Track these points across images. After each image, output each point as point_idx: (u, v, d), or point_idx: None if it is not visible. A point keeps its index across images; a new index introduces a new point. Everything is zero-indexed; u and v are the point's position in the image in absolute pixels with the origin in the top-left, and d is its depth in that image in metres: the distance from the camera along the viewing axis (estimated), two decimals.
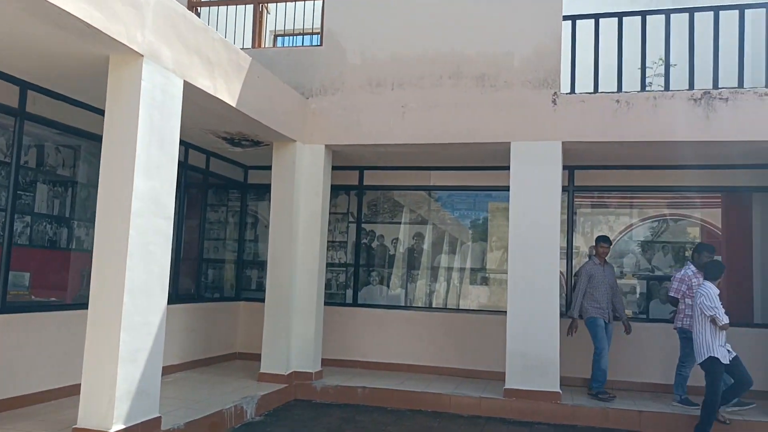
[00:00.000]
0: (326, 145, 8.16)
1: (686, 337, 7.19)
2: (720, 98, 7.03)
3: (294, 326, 7.90)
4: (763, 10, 7.31)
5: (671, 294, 7.46)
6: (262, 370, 7.75)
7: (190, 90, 5.76)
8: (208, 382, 7.60)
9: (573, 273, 9.02)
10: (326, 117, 8.17)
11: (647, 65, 7.67)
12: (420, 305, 9.60)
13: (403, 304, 9.67)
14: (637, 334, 8.16)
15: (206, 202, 9.24)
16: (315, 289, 7.99)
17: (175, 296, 8.14)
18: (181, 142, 8.06)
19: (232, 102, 6.38)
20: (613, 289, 7.93)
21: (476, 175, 9.28)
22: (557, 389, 7.22)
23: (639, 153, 8.06)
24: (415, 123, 7.87)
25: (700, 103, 7.08)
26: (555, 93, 7.50)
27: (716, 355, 6.32)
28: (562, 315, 8.55)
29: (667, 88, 7.40)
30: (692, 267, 7.35)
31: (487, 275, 9.49)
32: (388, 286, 9.86)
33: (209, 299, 9.26)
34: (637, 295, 9.25)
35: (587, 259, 8.37)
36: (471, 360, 8.81)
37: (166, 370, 7.76)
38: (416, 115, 7.88)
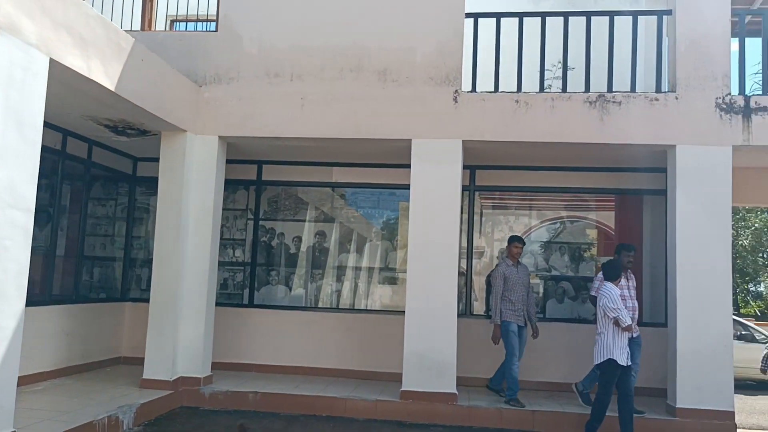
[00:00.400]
0: (220, 137, 7.72)
1: None
2: (614, 102, 7.16)
3: (181, 329, 7.41)
4: (655, 17, 7.51)
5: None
6: (144, 376, 7.22)
7: (59, 69, 5.21)
8: (83, 390, 6.99)
9: (473, 273, 9.03)
10: (220, 107, 7.73)
11: (548, 68, 7.73)
12: (321, 306, 9.31)
13: (303, 304, 9.35)
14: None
15: (89, 195, 8.55)
16: (205, 289, 7.53)
17: (48, 297, 7.46)
18: (58, 129, 7.40)
19: (111, 86, 5.86)
20: (527, 290, 7.77)
21: (380, 173, 9.09)
22: (454, 390, 7.12)
23: (538, 154, 8.12)
24: (314, 116, 7.58)
25: (595, 106, 7.18)
26: (456, 91, 7.42)
27: (615, 358, 6.28)
28: (461, 315, 8.58)
29: (564, 90, 7.46)
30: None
31: (390, 275, 9.31)
32: (288, 286, 9.51)
33: (91, 300, 8.57)
34: (536, 295, 9.37)
35: (500, 261, 8.18)
36: (372, 361, 8.61)
37: (36, 378, 7.13)
38: (316, 108, 7.59)
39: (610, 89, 7.32)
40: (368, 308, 9.17)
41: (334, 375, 8.61)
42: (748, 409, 11.96)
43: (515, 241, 7.80)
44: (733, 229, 18.64)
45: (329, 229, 9.53)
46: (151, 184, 9.38)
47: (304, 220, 9.59)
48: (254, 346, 8.88)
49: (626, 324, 6.27)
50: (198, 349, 7.46)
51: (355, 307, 9.23)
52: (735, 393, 13.27)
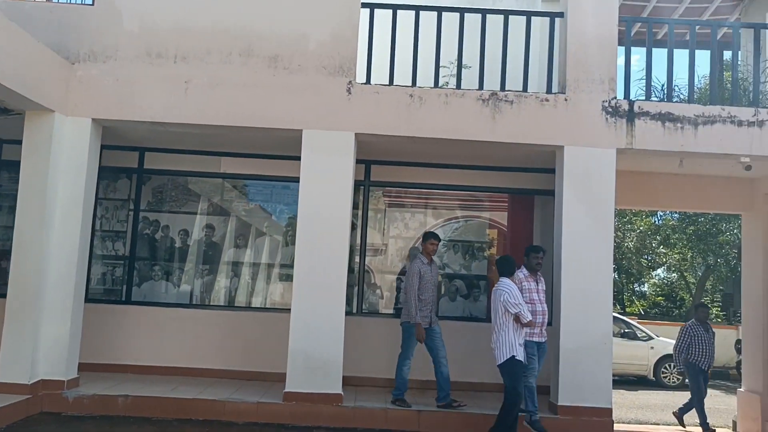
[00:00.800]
0: (94, 119, 7.11)
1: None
2: (506, 101, 7.16)
3: (44, 327, 6.76)
4: (548, 19, 7.58)
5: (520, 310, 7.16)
6: None
7: None
8: None
9: (376, 271, 8.87)
10: (95, 87, 7.12)
11: (445, 65, 7.64)
12: (206, 303, 8.83)
13: (188, 301, 8.83)
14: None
15: None
16: (72, 285, 6.91)
17: None
18: None
19: None
20: (437, 289, 7.51)
21: (273, 164, 8.72)
22: (339, 391, 6.90)
23: (432, 150, 8.05)
24: (199, 101, 7.13)
25: (488, 104, 7.15)
26: (350, 82, 7.19)
27: (516, 354, 6.18)
28: (353, 314, 8.39)
29: (459, 86, 7.40)
30: (524, 270, 6.89)
31: (282, 271, 8.96)
32: (172, 282, 8.96)
33: None
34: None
35: (413, 258, 7.86)
36: (258, 362, 8.24)
37: None
38: (201, 93, 7.14)
39: (503, 88, 7.33)
40: (256, 306, 8.79)
41: (216, 376, 8.17)
42: (628, 404, 12.51)
43: (431, 237, 7.48)
44: (619, 231, 19.56)
45: (219, 222, 9.07)
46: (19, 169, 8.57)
47: (192, 213, 9.08)
48: (131, 345, 8.30)
49: (528, 319, 6.22)
50: (62, 350, 6.83)
51: (244, 305, 8.83)
52: (617, 389, 13.86)
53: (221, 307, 8.74)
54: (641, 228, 20.51)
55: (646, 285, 29.89)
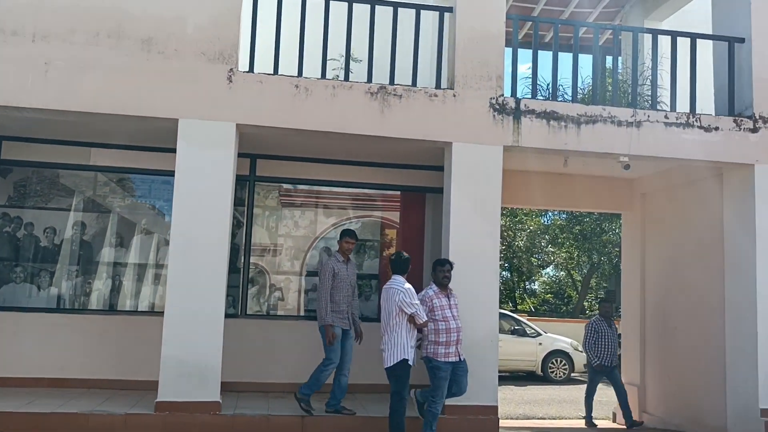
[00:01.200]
0: None
1: (432, 367, 6.22)
2: (395, 94, 6.99)
3: None
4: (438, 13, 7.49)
5: (425, 319, 6.30)
6: None
7: None
8: None
9: (260, 271, 8.47)
10: None
11: (335, 57, 7.37)
12: (76, 307, 8.10)
13: (55, 306, 8.07)
14: (309, 333, 7.82)
15: None
16: None
17: None
18: None
19: None
20: (353, 290, 7.02)
21: (150, 157, 8.11)
22: (217, 399, 6.45)
23: (321, 144, 7.78)
24: (61, 85, 6.47)
25: (376, 98, 6.95)
26: (231, 69, 6.76)
27: (408, 358, 5.90)
28: (234, 316, 7.97)
29: (347, 78, 7.16)
30: (433, 286, 6.42)
31: (160, 272, 8.36)
32: (37, 285, 8.15)
33: None
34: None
35: (328, 256, 7.41)
36: (129, 369, 7.63)
37: None
38: (64, 76, 6.49)
39: (392, 82, 7.15)
40: (131, 309, 8.17)
41: (83, 386, 7.50)
42: (517, 399, 12.76)
43: (347, 235, 7.00)
44: (510, 230, 20.09)
45: (91, 220, 8.35)
46: None
47: (61, 209, 8.30)
48: None
49: (423, 320, 5.94)
50: None
51: (117, 308, 8.17)
52: (507, 385, 14.13)
53: (92, 311, 8.05)
54: (531, 227, 21.21)
55: (536, 283, 31.07)
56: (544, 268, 28.31)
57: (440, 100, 7.06)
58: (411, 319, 5.96)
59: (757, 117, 7.54)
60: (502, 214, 19.98)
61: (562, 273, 28.21)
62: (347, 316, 6.84)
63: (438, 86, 7.24)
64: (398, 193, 9.12)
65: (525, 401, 12.55)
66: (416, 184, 8.86)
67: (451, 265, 6.46)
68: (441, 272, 6.37)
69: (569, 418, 10.82)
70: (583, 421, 9.84)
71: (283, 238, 8.87)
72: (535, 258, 22.15)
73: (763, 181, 7.48)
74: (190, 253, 6.51)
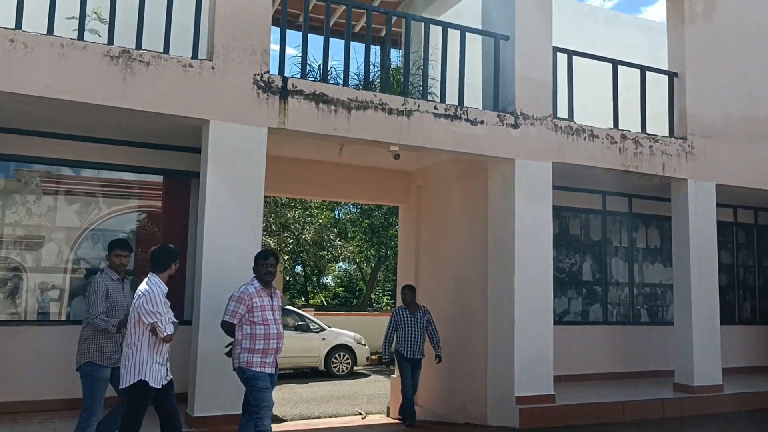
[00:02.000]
0: None
1: (248, 378, 5.32)
2: (141, 61, 6.03)
3: None
4: None
5: (226, 318, 5.41)
6: None
7: None
8: None
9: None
10: None
11: (73, 16, 6.19)
12: None
13: None
14: (45, 340, 6.58)
15: None
16: None
17: None
18: None
19: None
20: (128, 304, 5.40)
21: None
22: None
23: (53, 115, 6.57)
24: None
25: (117, 62, 5.94)
26: None
27: (147, 378, 4.77)
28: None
29: (81, 37, 6.03)
30: (255, 282, 5.48)
31: None
32: None
33: None
34: (59, 292, 7.72)
35: (101, 271, 5.75)
36: None
37: None
38: None
39: (139, 47, 6.18)
40: None
41: None
42: (296, 398, 12.28)
43: (116, 247, 5.52)
44: (299, 223, 19.68)
45: None
46: None
47: None
48: None
49: (166, 334, 4.80)
50: None
51: None
52: (289, 383, 13.58)
53: None
54: (321, 221, 20.99)
55: (330, 277, 31.14)
56: (337, 263, 28.40)
57: (196, 71, 6.24)
58: (154, 330, 4.80)
59: (519, 113, 7.77)
60: (292, 206, 19.63)
61: (353, 267, 28.55)
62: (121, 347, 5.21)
63: (195, 56, 6.40)
64: (160, 178, 8.13)
65: (304, 400, 12.13)
66: (180, 168, 7.95)
67: (276, 258, 5.61)
68: (264, 266, 5.46)
69: (345, 415, 10.58)
70: (359, 416, 9.62)
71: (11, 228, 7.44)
72: (326, 252, 21.99)
73: (523, 175, 7.73)
74: None
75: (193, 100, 6.20)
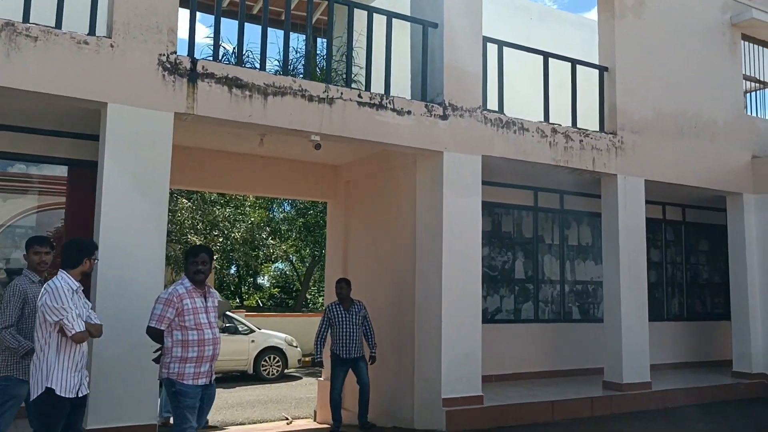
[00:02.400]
0: None
1: (176, 392, 4.74)
2: (27, 35, 5.42)
3: None
4: None
5: (152, 324, 4.81)
6: None
7: None
8: None
9: None
10: None
11: None
12: None
13: None
14: None
15: None
16: None
17: None
18: None
19: None
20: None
21: None
22: None
23: None
24: None
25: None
26: None
27: (55, 387, 4.22)
28: None
29: None
30: (185, 281, 4.90)
31: None
32: None
33: None
34: None
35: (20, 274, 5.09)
36: None
37: None
38: None
39: (26, 19, 5.56)
40: None
41: None
42: (221, 404, 11.66)
43: (35, 243, 5.00)
44: (228, 221, 18.99)
45: None
46: None
47: None
48: None
49: (75, 331, 4.23)
50: None
51: None
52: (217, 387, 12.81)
53: None
54: (252, 219, 20.31)
55: (265, 278, 30.37)
56: (273, 263, 27.67)
57: (92, 49, 5.67)
58: (62, 330, 4.26)
59: (447, 104, 7.48)
60: (222, 204, 18.88)
61: (288, 267, 27.90)
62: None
63: (93, 33, 5.82)
64: (64, 168, 7.48)
65: (229, 405, 11.55)
66: (87, 157, 7.30)
67: (209, 254, 5.02)
68: (194, 264, 4.86)
69: (271, 421, 10.10)
70: (285, 422, 9.16)
71: None
72: (260, 252, 21.30)
73: (451, 168, 7.44)
74: None
75: (88, 81, 5.63)
